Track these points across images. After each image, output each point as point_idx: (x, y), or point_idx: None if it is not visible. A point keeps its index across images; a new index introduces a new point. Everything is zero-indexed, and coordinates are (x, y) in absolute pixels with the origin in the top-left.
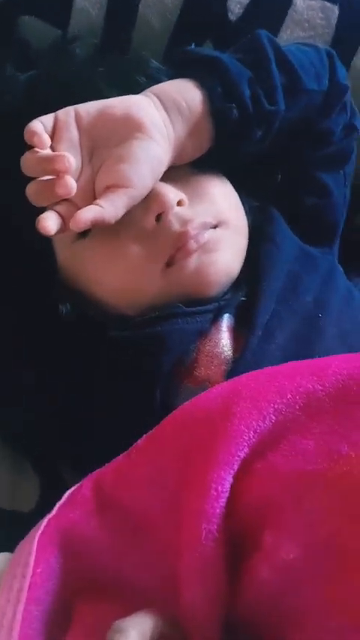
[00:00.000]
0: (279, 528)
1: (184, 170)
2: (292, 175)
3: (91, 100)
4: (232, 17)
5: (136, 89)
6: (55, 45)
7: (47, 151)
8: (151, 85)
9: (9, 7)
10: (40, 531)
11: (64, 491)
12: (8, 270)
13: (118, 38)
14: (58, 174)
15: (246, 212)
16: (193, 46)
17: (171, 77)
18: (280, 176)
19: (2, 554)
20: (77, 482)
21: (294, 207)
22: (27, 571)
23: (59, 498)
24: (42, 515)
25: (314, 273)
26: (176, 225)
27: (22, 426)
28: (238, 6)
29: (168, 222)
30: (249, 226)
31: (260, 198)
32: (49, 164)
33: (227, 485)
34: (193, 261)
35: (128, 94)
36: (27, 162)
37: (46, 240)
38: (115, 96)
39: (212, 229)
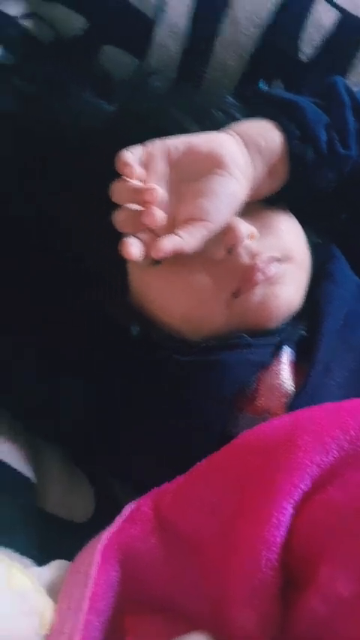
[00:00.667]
0: (336, 563)
1: (255, 204)
2: (356, 216)
3: (173, 133)
4: (303, 58)
5: (214, 124)
6: (135, 76)
7: (137, 182)
8: (227, 121)
9: (92, 36)
10: (102, 544)
11: (116, 504)
12: (79, 288)
13: (193, 74)
14: (147, 205)
15: (309, 248)
16: (262, 84)
17: (244, 114)
18: (344, 216)
19: (58, 561)
20: (130, 500)
21: (356, 247)
22: (89, 581)
23: (113, 511)
24: (97, 526)
25: None
26: (245, 258)
27: (82, 440)
28: (310, 47)
29: (238, 254)
30: (311, 263)
31: (324, 236)
32: (139, 195)
33: (288, 516)
34: (258, 293)
35: (208, 129)
36: (117, 190)
37: (121, 263)
38: (196, 130)
39: (278, 263)
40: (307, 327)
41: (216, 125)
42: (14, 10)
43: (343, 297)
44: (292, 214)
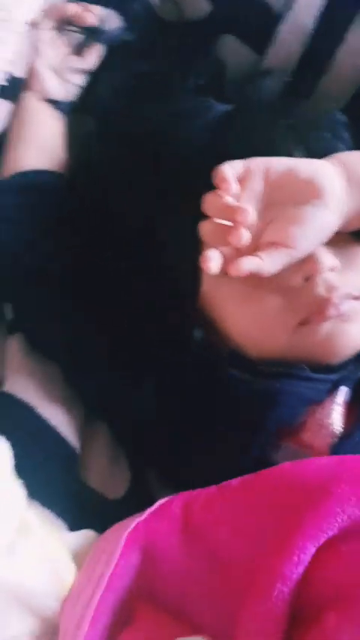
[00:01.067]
0: (346, 615)
1: (343, 236)
2: None
3: (277, 153)
4: None
5: (320, 145)
6: (249, 76)
7: (231, 199)
8: (334, 142)
9: (213, 23)
10: (128, 530)
11: (147, 493)
12: (149, 287)
13: (309, 80)
14: (236, 224)
15: None
16: None
17: (352, 132)
18: None
19: (86, 531)
20: (161, 489)
21: None
22: (111, 561)
23: (143, 496)
24: (126, 506)
25: None
26: (322, 290)
27: (130, 429)
28: None
29: (315, 284)
30: None
31: None
32: (231, 213)
33: (309, 556)
34: (326, 327)
35: (312, 150)
36: (210, 203)
37: (197, 268)
38: (300, 151)
39: (354, 300)
40: None
41: (321, 146)
42: None
43: None
44: None
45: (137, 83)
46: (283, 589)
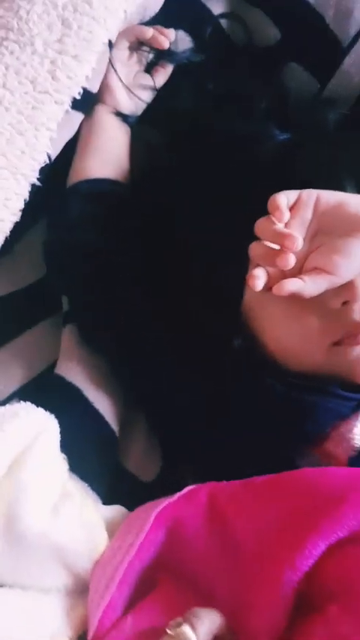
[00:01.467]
0: (347, 608)
1: None
2: None
3: (329, 186)
4: None
5: None
6: (311, 105)
7: (282, 226)
8: None
9: (282, 51)
10: (158, 509)
11: (176, 480)
12: (200, 292)
13: None
14: (284, 248)
15: None
16: None
17: None
18: None
19: (118, 506)
20: (190, 479)
21: None
22: (141, 534)
23: (172, 482)
24: (156, 489)
25: None
26: (358, 316)
27: (168, 424)
28: None
29: (352, 310)
30: None
31: None
32: (281, 239)
33: (319, 552)
34: (358, 350)
35: None
36: (262, 227)
37: (243, 281)
38: (351, 189)
39: None
40: None
41: None
42: (218, 8)
43: None
44: None
45: (208, 103)
46: (292, 577)
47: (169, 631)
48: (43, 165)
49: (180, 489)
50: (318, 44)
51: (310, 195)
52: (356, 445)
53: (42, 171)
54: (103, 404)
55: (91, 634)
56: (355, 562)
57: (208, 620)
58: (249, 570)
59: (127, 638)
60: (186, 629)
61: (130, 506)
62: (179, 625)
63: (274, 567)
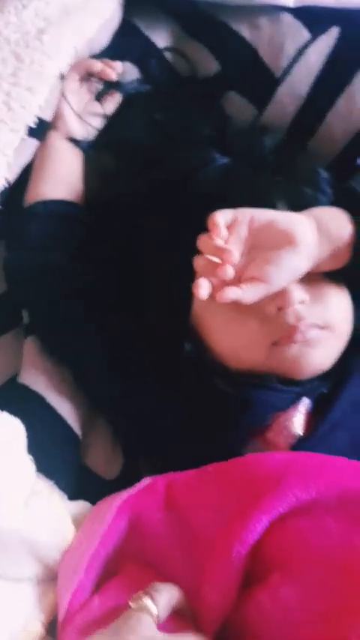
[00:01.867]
0: (286, 574)
1: (314, 276)
2: None
3: (263, 205)
4: None
5: (302, 199)
6: (249, 131)
7: (220, 242)
8: (315, 195)
9: (221, 80)
10: (120, 501)
11: (137, 476)
12: (153, 303)
13: (300, 139)
14: (223, 261)
15: (355, 323)
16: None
17: (334, 188)
18: None
19: (83, 501)
20: (150, 473)
21: None
22: (105, 524)
23: (134, 478)
24: (118, 486)
25: None
26: (292, 319)
27: (127, 424)
28: None
29: (286, 314)
30: (352, 334)
31: None
32: (220, 253)
33: (263, 527)
34: (293, 349)
35: (294, 204)
36: (204, 243)
37: (190, 292)
38: (283, 207)
39: (319, 329)
40: (330, 388)
41: (302, 201)
42: (162, 41)
43: None
44: (346, 290)
45: (154, 130)
46: (240, 550)
47: (131, 604)
48: (2, 189)
49: None
50: (254, 75)
51: (245, 214)
52: (295, 434)
53: (1, 195)
54: (65, 409)
55: (61, 616)
56: (294, 533)
57: (167, 593)
58: (203, 550)
59: (94, 616)
60: (147, 600)
61: (95, 502)
62: (141, 598)
63: (225, 544)
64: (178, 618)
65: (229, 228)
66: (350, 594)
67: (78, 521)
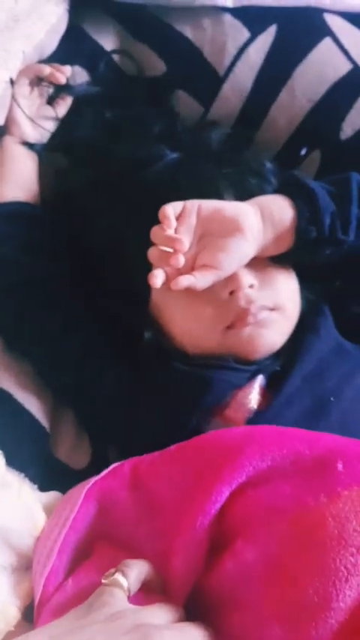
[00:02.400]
0: (249, 538)
1: (262, 261)
2: (348, 285)
3: (211, 196)
4: (343, 137)
5: (248, 189)
6: (197, 127)
7: (171, 232)
8: (260, 185)
9: (168, 80)
10: (88, 486)
11: (106, 464)
12: (112, 296)
13: (246, 133)
14: (175, 250)
15: (302, 302)
16: (304, 151)
17: (281, 180)
18: (338, 283)
19: (54, 492)
20: (118, 461)
21: (342, 309)
22: (74, 509)
23: (103, 467)
24: (88, 475)
25: (342, 365)
26: (243, 302)
27: (93, 413)
28: (351, 129)
29: (237, 298)
30: (301, 314)
31: (317, 294)
32: (171, 242)
33: (224, 497)
34: (246, 331)
35: (241, 194)
36: (156, 234)
37: (148, 284)
38: (230, 197)
39: (269, 311)
40: (282, 365)
41: (247, 190)
42: (109, 44)
43: (320, 349)
44: (293, 272)
45: (105, 129)
46: (204, 521)
47: (104, 580)
48: None
49: None
50: (199, 74)
51: (193, 204)
52: (252, 409)
53: None
54: (32, 403)
55: (37, 599)
56: (253, 500)
57: (137, 568)
58: (169, 525)
59: (68, 596)
60: (118, 576)
61: (66, 491)
62: (112, 574)
63: (189, 516)
64: (148, 592)
65: (179, 218)
66: (303, 544)
67: (50, 511)
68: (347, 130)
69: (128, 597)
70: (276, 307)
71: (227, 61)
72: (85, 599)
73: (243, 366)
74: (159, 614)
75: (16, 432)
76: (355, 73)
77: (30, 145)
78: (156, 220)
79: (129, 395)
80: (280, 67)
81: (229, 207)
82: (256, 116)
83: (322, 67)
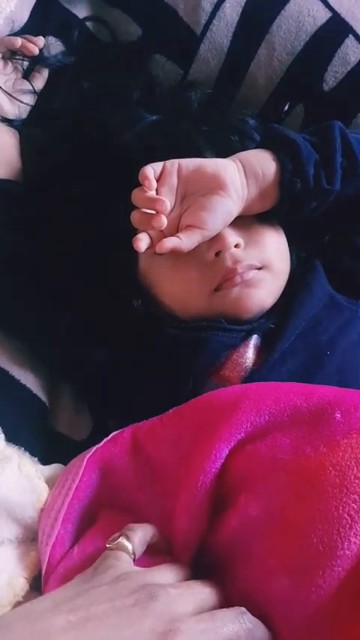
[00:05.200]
0: (250, 493)
1: (248, 220)
2: (337, 238)
3: (191, 155)
4: (326, 88)
5: (229, 146)
6: (176, 89)
7: (152, 193)
8: (242, 142)
9: (144, 44)
10: (89, 455)
11: (107, 434)
12: (99, 269)
13: (227, 91)
14: (157, 211)
15: (292, 260)
16: (287, 106)
17: (262, 134)
18: (328, 237)
19: (56, 464)
20: (118, 429)
21: (334, 263)
22: (77, 478)
23: (104, 437)
24: (90, 445)
25: (336, 319)
26: (229, 262)
27: (90, 386)
28: (333, 79)
29: (224, 258)
30: (293, 272)
31: (308, 251)
32: (152, 203)
33: (224, 455)
34: (234, 291)
35: (222, 152)
36: (136, 196)
37: (134, 251)
38: (210, 155)
39: (257, 270)
40: (276, 322)
41: (228, 149)
42: (81, 12)
43: (312, 304)
44: (281, 229)
45: (83, 99)
46: (205, 480)
47: (108, 545)
48: None
49: None
50: (175, 35)
51: (173, 164)
52: (247, 367)
53: None
54: (29, 379)
55: (43, 569)
56: (253, 455)
57: (141, 531)
58: (171, 486)
59: (74, 563)
60: (122, 540)
61: (67, 461)
62: (116, 539)
63: (189, 476)
64: (154, 554)
65: (160, 179)
66: (305, 494)
67: (53, 483)
68: (330, 81)
69: (133, 560)
70: (264, 266)
71: (203, 19)
72: (91, 565)
73: (235, 326)
74: (165, 574)
75: (16, 408)
76: (334, 20)
77: (9, 122)
78: (136, 184)
79: (122, 366)
80: (256, 22)
81: (210, 163)
82: (236, 74)
83: (299, 18)
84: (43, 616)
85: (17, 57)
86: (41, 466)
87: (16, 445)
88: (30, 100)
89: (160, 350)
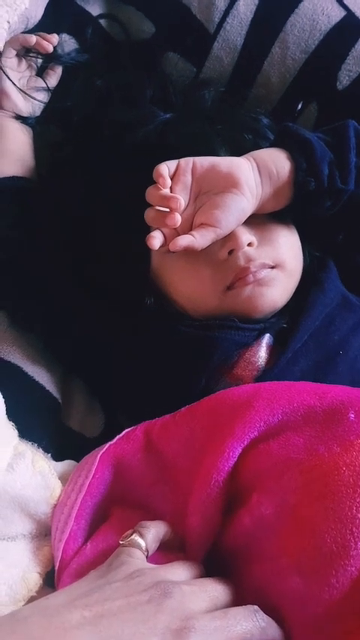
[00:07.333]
0: (263, 492)
1: (261, 218)
2: (351, 237)
3: (205, 154)
4: (340, 87)
5: (243, 145)
6: (189, 87)
7: (166, 191)
8: (256, 141)
9: (158, 42)
10: (102, 451)
11: (119, 431)
12: (112, 266)
13: (240, 90)
14: (171, 209)
15: (306, 259)
16: (301, 105)
17: (276, 133)
18: (341, 237)
19: (69, 460)
20: (130, 426)
21: (347, 262)
22: (90, 474)
23: (116, 434)
24: (102, 442)
25: (348, 318)
26: (242, 261)
27: (102, 384)
28: (347, 78)
29: (236, 257)
30: (306, 271)
31: (322, 250)
32: (167, 201)
33: (237, 453)
34: (247, 290)
35: (236, 150)
36: (151, 194)
37: (147, 249)
38: (224, 153)
39: (269, 269)
40: (289, 321)
41: (242, 147)
42: (95, 10)
43: (325, 304)
44: (294, 229)
45: (97, 97)
46: (218, 478)
47: (121, 542)
48: None
49: None
50: (188, 33)
51: (187, 162)
52: (260, 366)
53: None
54: (42, 376)
55: (57, 564)
56: (266, 454)
57: (154, 528)
58: (184, 484)
59: (87, 559)
60: (135, 536)
61: (79, 458)
62: (129, 535)
63: (202, 474)
64: (167, 552)
65: (174, 177)
66: (318, 494)
67: (66, 479)
68: (343, 80)
69: (147, 557)
70: (277, 265)
71: (217, 17)
72: (104, 561)
73: (248, 325)
74: (178, 571)
75: (29, 405)
76: (349, 19)
77: (23, 119)
78: (151, 181)
79: (135, 364)
80: (270, 20)
81: (224, 162)
82: (250, 73)
83: (314, 17)
84: (59, 611)
85: (31, 54)
86: (54, 462)
87: (30, 441)
88: (44, 97)
89: (173, 348)
